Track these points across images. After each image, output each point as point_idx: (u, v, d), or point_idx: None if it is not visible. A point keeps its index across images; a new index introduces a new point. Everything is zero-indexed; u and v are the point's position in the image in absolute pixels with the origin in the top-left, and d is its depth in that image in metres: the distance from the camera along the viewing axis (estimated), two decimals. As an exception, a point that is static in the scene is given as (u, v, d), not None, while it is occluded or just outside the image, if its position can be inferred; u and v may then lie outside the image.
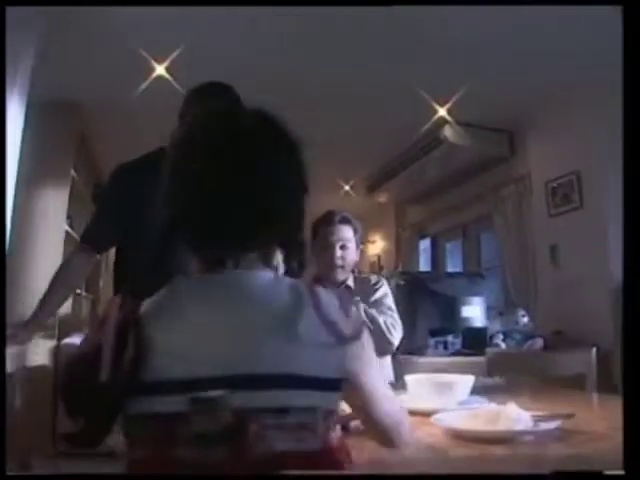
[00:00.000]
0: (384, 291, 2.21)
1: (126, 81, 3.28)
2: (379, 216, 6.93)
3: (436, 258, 6.36)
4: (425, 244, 6.51)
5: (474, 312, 3.27)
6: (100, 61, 3.19)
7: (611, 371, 2.86)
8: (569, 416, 1.05)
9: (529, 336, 3.34)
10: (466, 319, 3.21)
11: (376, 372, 0.84)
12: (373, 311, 2.05)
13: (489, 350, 2.44)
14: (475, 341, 3.16)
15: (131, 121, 4.01)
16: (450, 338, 3.17)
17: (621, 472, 0.91)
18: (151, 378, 0.73)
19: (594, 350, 2.21)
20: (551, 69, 3.43)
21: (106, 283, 5.56)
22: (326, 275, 2.16)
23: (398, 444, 0.85)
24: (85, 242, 1.93)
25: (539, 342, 3.29)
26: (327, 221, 2.18)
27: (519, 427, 0.99)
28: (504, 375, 2.26)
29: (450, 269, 6.14)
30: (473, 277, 3.67)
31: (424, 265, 6.45)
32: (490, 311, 3.49)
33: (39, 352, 2.78)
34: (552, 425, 1.00)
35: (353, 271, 2.25)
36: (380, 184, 5.80)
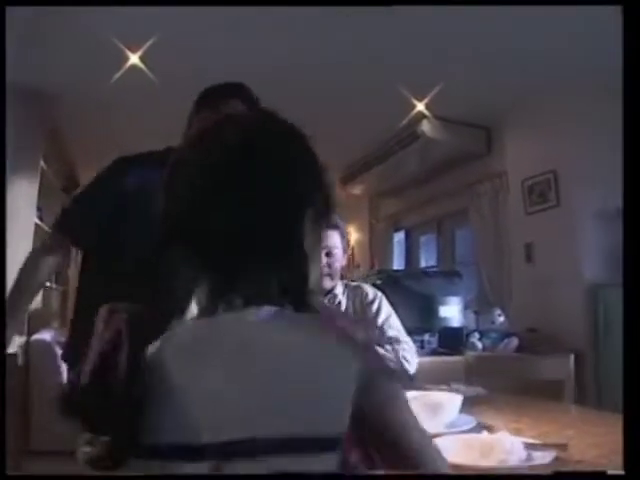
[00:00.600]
0: (387, 312, 2.10)
1: (99, 71, 3.17)
2: (353, 208, 6.90)
3: (410, 251, 6.37)
4: (399, 237, 6.51)
5: (452, 312, 3.27)
6: (72, 50, 3.08)
7: (583, 374, 2.90)
8: (563, 447, 1.04)
9: (505, 335, 3.37)
10: (444, 319, 3.20)
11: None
12: (387, 347, 1.97)
13: (468, 354, 2.43)
14: (452, 341, 3.16)
15: (104, 111, 3.90)
16: (427, 337, 3.16)
17: (621, 472, 0.91)
18: (166, 439, 0.63)
19: (572, 357, 2.23)
20: (530, 68, 3.42)
21: (75, 274, 5.43)
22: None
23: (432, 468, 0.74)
24: (60, 231, 1.60)
25: (514, 341, 3.31)
26: None
27: (513, 458, 0.97)
28: (483, 379, 2.27)
29: (424, 263, 6.16)
30: (450, 276, 3.66)
31: (398, 257, 6.47)
32: (467, 310, 3.49)
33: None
34: (547, 459, 0.98)
35: (341, 276, 2.17)
36: (355, 176, 5.78)
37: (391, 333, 2.04)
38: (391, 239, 6.48)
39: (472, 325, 3.51)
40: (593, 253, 3.52)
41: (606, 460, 1.03)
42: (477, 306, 3.92)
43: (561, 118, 3.73)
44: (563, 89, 3.64)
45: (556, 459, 1.00)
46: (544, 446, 1.04)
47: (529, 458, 1.00)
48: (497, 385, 2.08)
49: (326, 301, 2.08)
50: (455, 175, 4.99)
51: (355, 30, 3.11)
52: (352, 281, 2.25)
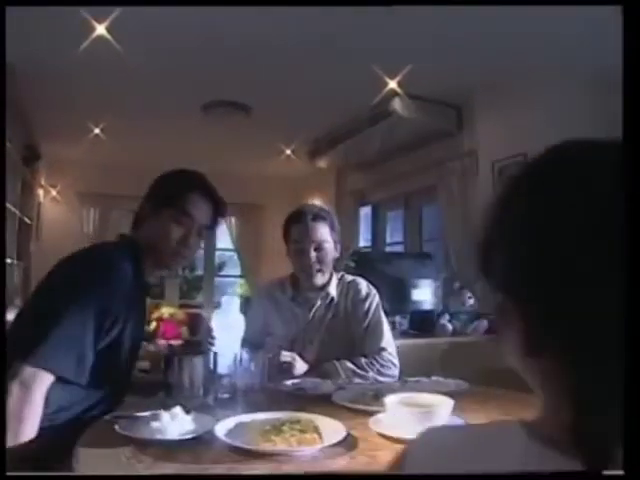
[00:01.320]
0: (377, 315, 2.04)
1: (65, 41, 3.02)
2: (319, 181, 6.87)
3: (376, 226, 6.41)
4: (366, 211, 6.53)
5: (424, 295, 3.32)
6: (35, 20, 2.92)
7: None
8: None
9: (474, 317, 3.44)
10: (416, 302, 3.25)
11: None
12: (363, 362, 1.94)
13: (442, 339, 2.47)
14: (423, 323, 3.22)
15: (67, 82, 3.75)
16: (398, 318, 3.20)
17: (621, 472, 0.93)
18: None
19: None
20: (501, 51, 3.42)
21: (38, 248, 5.27)
22: (303, 279, 2.04)
23: None
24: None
25: (484, 324, 3.39)
26: (297, 219, 1.99)
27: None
28: (457, 366, 2.32)
29: (390, 238, 6.22)
30: (421, 258, 3.70)
31: (364, 232, 6.51)
32: (437, 291, 3.54)
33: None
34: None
35: (335, 268, 2.09)
36: (323, 150, 5.73)
37: (374, 341, 2.00)
38: (357, 214, 6.49)
39: (442, 306, 3.56)
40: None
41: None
42: (447, 288, 3.98)
43: (531, 102, 3.77)
44: (533, 74, 3.67)
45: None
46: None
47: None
48: (472, 372, 2.12)
49: (319, 300, 2.05)
50: (424, 152, 5.00)
51: (331, 9, 3.04)
52: (348, 274, 2.18)
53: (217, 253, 7.69)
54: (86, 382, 1.36)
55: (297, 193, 7.45)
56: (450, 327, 3.34)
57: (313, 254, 1.96)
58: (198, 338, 6.14)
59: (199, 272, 7.84)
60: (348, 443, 1.18)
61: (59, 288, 1.38)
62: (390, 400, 1.33)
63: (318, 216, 1.99)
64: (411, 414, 1.27)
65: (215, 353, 1.66)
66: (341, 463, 1.09)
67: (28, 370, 1.24)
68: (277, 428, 1.18)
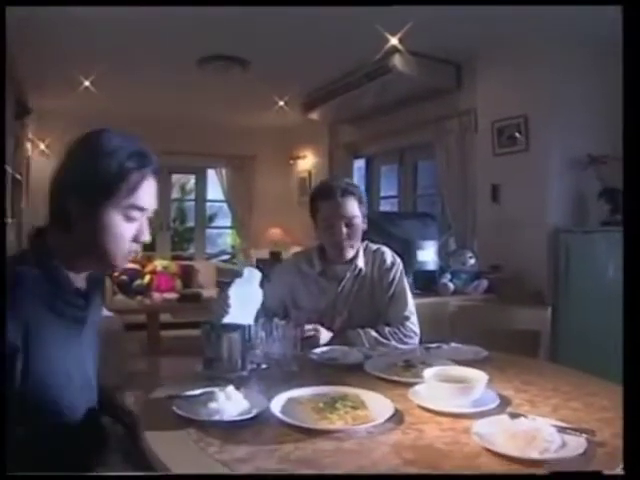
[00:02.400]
0: (401, 285, 2.10)
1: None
2: (311, 132, 6.84)
3: (370, 180, 6.44)
4: (359, 164, 6.55)
5: (428, 256, 3.40)
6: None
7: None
8: (592, 433, 1.17)
9: (475, 276, 3.55)
10: (420, 263, 3.33)
11: None
12: (387, 331, 2.01)
13: (447, 300, 2.58)
14: (426, 282, 3.31)
15: (56, 35, 3.66)
16: (402, 278, 3.29)
17: (621, 472, 1.00)
18: None
19: (550, 309, 2.39)
20: (505, 12, 3.38)
21: (31, 204, 5.23)
22: (333, 254, 2.07)
23: None
24: None
25: (484, 283, 3.51)
26: (327, 195, 1.99)
27: (554, 446, 1.09)
28: (466, 328, 2.43)
29: (384, 192, 6.27)
30: (424, 218, 3.77)
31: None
32: (440, 251, 3.63)
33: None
34: (581, 449, 1.10)
35: (363, 239, 2.11)
36: (318, 103, 5.69)
37: (398, 310, 2.07)
38: (351, 166, 6.51)
39: (443, 266, 3.65)
40: (558, 199, 3.70)
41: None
42: (447, 247, 4.07)
43: (534, 63, 3.78)
44: (533, 36, 3.66)
45: (589, 445, 1.12)
46: (574, 430, 1.17)
47: (564, 444, 1.12)
48: (480, 335, 2.22)
49: (348, 273, 2.10)
50: (422, 109, 5.00)
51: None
52: (371, 242, 2.21)
53: (207, 204, 7.68)
54: None
55: (289, 144, 7.43)
56: (451, 286, 3.45)
57: (344, 230, 1.98)
58: (192, 291, 6.21)
59: (190, 224, 7.87)
60: (396, 417, 1.26)
61: None
62: (428, 374, 1.42)
63: (347, 191, 1.99)
64: (450, 388, 1.36)
65: (249, 326, 1.72)
66: (394, 438, 1.17)
67: None
68: (331, 405, 1.26)
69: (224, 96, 5.72)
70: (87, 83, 4.81)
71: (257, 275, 1.89)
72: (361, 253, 2.11)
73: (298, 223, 7.51)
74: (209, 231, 8.12)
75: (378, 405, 1.30)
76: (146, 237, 1.23)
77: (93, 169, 1.14)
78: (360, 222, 2.02)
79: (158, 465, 1.04)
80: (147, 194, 1.20)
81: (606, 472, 1.03)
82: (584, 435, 1.15)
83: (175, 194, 8.12)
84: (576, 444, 1.12)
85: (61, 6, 2.96)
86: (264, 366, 1.68)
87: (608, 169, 3.52)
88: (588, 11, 3.14)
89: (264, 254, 7.44)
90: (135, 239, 1.21)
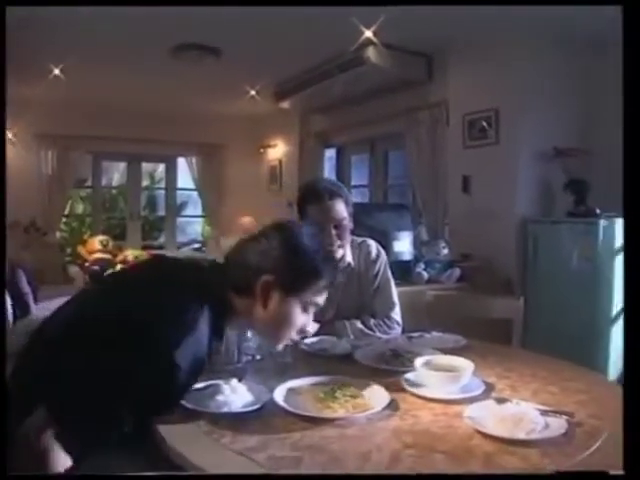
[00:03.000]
0: (385, 277, 2.19)
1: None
2: (282, 121, 6.86)
3: (341, 169, 6.52)
4: (330, 153, 6.61)
5: (404, 246, 3.51)
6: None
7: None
8: (570, 414, 1.28)
9: (448, 265, 3.68)
10: (396, 253, 3.43)
11: None
12: (372, 322, 2.11)
13: (428, 293, 2.68)
14: (401, 272, 3.42)
15: (23, 21, 3.60)
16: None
17: (621, 472, 1.05)
18: None
19: (522, 299, 2.52)
20: (477, 8, 3.46)
21: None
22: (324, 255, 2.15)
23: None
24: None
25: (457, 272, 3.64)
26: (315, 199, 2.01)
27: (538, 428, 1.20)
28: (442, 317, 2.54)
29: (355, 181, 6.35)
30: (399, 209, 3.87)
31: (328, 174, 6.61)
32: (414, 241, 3.73)
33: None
34: (562, 429, 1.21)
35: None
36: (290, 93, 5.71)
37: (383, 301, 2.18)
38: (321, 155, 6.57)
39: (417, 256, 3.76)
40: (526, 190, 3.85)
41: (601, 421, 1.28)
42: (420, 237, 4.18)
43: (504, 58, 3.90)
44: (505, 31, 3.78)
45: (569, 426, 1.23)
46: (555, 412, 1.28)
47: (547, 425, 1.23)
48: (456, 323, 2.33)
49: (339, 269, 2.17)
50: (394, 99, 5.08)
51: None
52: (357, 236, 2.26)
53: (178, 193, 7.64)
54: None
55: (259, 133, 7.44)
56: (426, 275, 3.57)
57: (333, 232, 2.02)
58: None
59: (160, 213, 7.81)
60: (392, 405, 1.35)
61: None
62: (419, 363, 1.51)
63: (334, 194, 2.02)
64: (440, 377, 1.46)
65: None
66: (393, 424, 1.26)
67: None
68: (331, 395, 1.35)
69: (195, 85, 5.69)
70: (57, 71, 4.73)
71: None
72: (348, 248, 2.17)
73: (268, 211, 7.56)
74: (179, 220, 8.08)
75: (374, 394, 1.39)
76: (311, 329, 1.48)
77: (294, 265, 1.32)
78: (348, 223, 2.06)
79: (177, 458, 1.10)
80: (325, 294, 1.41)
81: (611, 472, 1.07)
82: (564, 416, 1.27)
83: (144, 182, 8.05)
84: (558, 425, 1.23)
85: (61, 6, 2.89)
86: (258, 357, 1.75)
87: (573, 161, 3.68)
88: (557, 9, 3.26)
89: (235, 242, 7.47)
90: (301, 330, 1.41)
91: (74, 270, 5.62)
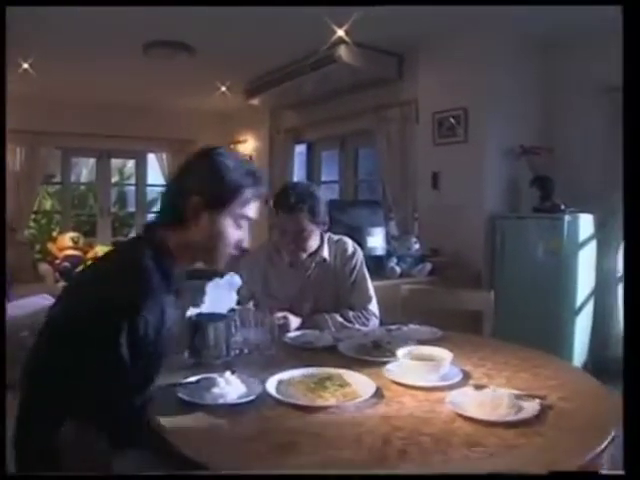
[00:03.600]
0: (361, 273, 2.29)
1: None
2: (253, 116, 6.88)
3: (311, 164, 6.59)
4: (301, 149, 6.68)
5: (377, 242, 3.61)
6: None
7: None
8: (542, 397, 1.39)
9: (419, 260, 3.80)
10: (371, 248, 3.53)
11: None
12: (350, 315, 2.21)
13: (403, 287, 2.78)
14: (375, 267, 3.51)
15: None
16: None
17: (621, 472, 1.08)
18: None
19: (492, 292, 2.65)
20: (447, 7, 3.55)
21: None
22: (287, 254, 2.24)
23: None
24: None
25: (428, 266, 3.76)
26: (279, 206, 2.13)
27: (514, 410, 1.30)
28: (416, 310, 2.65)
29: (325, 177, 6.43)
30: (372, 206, 3.97)
31: (299, 169, 6.68)
32: (387, 236, 3.84)
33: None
34: (535, 411, 1.32)
35: (325, 231, 2.27)
36: (261, 90, 5.74)
37: (360, 295, 2.28)
38: (292, 151, 6.63)
39: (389, 251, 3.87)
40: (494, 187, 3.99)
41: (569, 403, 1.39)
42: (390, 232, 4.28)
43: (472, 58, 4.01)
44: (473, 32, 3.90)
45: (541, 409, 1.34)
46: (528, 396, 1.39)
47: (522, 408, 1.33)
48: (429, 316, 2.44)
49: (314, 263, 2.26)
50: (364, 97, 5.16)
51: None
52: (332, 232, 2.35)
53: (148, 189, 7.60)
54: None
55: (230, 129, 7.46)
56: (398, 270, 3.68)
57: (292, 239, 2.16)
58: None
59: (131, 209, 7.75)
60: (378, 392, 1.44)
61: None
62: (401, 353, 1.61)
63: (296, 208, 2.09)
64: (420, 366, 1.55)
65: (232, 316, 1.85)
66: (381, 410, 1.35)
67: None
68: (321, 385, 1.44)
69: (165, 80, 5.68)
70: (26, 66, 4.68)
71: (237, 283, 2.02)
72: (325, 244, 2.27)
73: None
74: (150, 216, 8.03)
75: (361, 383, 1.48)
76: (246, 244, 1.46)
77: (217, 180, 1.35)
78: (309, 234, 2.16)
79: (184, 447, 1.16)
80: (255, 207, 1.43)
81: (606, 472, 1.20)
82: (537, 400, 1.38)
83: (114, 178, 7.97)
84: (531, 407, 1.34)
85: (61, 6, 2.85)
86: (246, 351, 1.82)
87: (538, 159, 3.83)
88: (524, 10, 3.39)
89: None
90: (237, 245, 1.43)
91: (44, 268, 5.56)
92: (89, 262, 6.07)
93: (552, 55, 4.06)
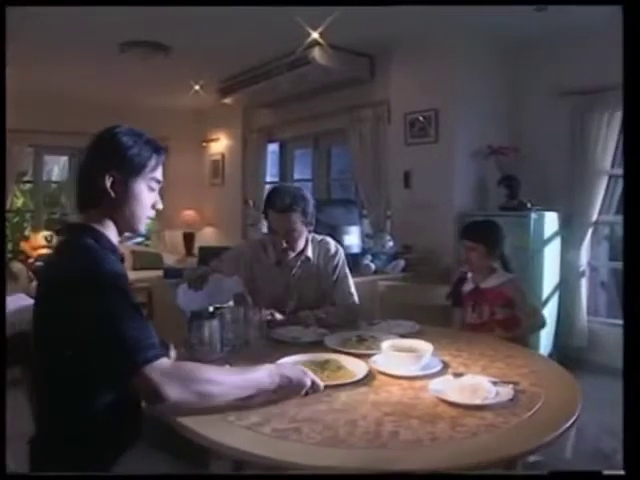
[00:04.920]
0: (343, 271, 2.43)
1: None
2: (225, 115, 6.92)
3: (284, 163, 6.69)
4: (273, 148, 6.76)
5: (353, 240, 3.74)
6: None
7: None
8: (516, 383, 1.54)
9: (392, 257, 3.94)
10: (347, 247, 3.64)
11: None
12: (331, 310, 2.34)
13: (380, 284, 2.92)
14: (351, 264, 3.64)
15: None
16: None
17: (621, 472, 1.13)
18: None
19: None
20: (417, 10, 3.68)
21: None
22: (276, 252, 2.35)
23: None
24: None
25: (401, 263, 3.91)
26: (272, 206, 2.25)
27: (491, 395, 1.44)
28: (393, 305, 2.79)
29: (298, 175, 6.54)
30: (347, 205, 4.09)
31: (271, 167, 6.77)
32: (362, 235, 3.97)
33: None
34: (510, 395, 1.46)
35: (309, 232, 2.38)
36: (235, 89, 5.81)
37: (342, 292, 2.41)
38: (265, 150, 6.71)
39: (364, 248, 4.01)
40: (464, 185, 4.17)
41: (539, 388, 1.54)
42: (370, 231, 4.43)
43: (443, 60, 4.17)
44: (443, 34, 4.06)
45: (515, 393, 1.48)
46: (503, 382, 1.53)
47: (498, 393, 1.47)
48: (406, 311, 2.57)
49: (299, 262, 2.37)
50: (337, 97, 5.28)
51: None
52: (317, 234, 2.47)
53: (119, 187, 7.55)
54: None
55: (202, 127, 7.51)
56: (373, 266, 3.82)
57: (283, 238, 2.28)
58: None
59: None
60: (368, 380, 1.59)
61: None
62: (386, 345, 1.74)
63: (289, 208, 2.22)
64: (404, 357, 1.68)
65: (224, 315, 1.95)
66: (370, 398, 1.47)
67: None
68: (321, 367, 1.64)
69: (139, 79, 5.69)
70: (-3, 64, 4.63)
71: (239, 286, 2.14)
72: (310, 244, 2.39)
73: (210, 205, 7.63)
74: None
75: (355, 365, 1.66)
76: (160, 205, 1.57)
77: (124, 152, 1.45)
78: (299, 233, 2.29)
79: (194, 437, 1.27)
80: (160, 170, 1.54)
81: (606, 472, 1.28)
82: (511, 385, 1.52)
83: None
84: (506, 392, 1.48)
85: (61, 6, 2.85)
86: (237, 346, 1.92)
87: (506, 159, 4.01)
88: (494, 12, 3.54)
89: (178, 235, 7.52)
90: (153, 206, 1.54)
91: (18, 267, 5.53)
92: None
93: (519, 57, 4.26)
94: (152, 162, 1.49)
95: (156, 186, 1.54)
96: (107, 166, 1.43)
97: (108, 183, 1.43)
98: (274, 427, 1.28)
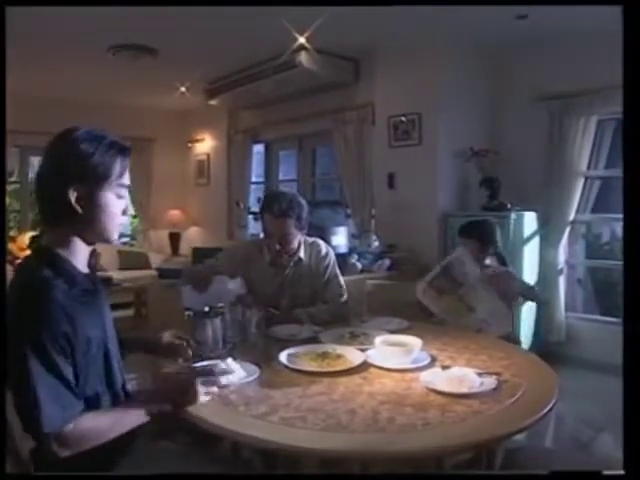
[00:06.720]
0: (333, 271, 2.55)
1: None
2: (211, 116, 6.99)
3: (269, 164, 6.78)
4: (259, 148, 6.85)
5: (340, 240, 3.86)
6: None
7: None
8: (499, 374, 1.67)
9: (378, 256, 4.08)
10: (335, 247, 3.76)
11: None
12: (322, 307, 2.47)
13: (368, 283, 3.05)
14: (339, 264, 3.76)
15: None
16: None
17: (621, 472, 1.13)
18: None
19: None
20: (405, 18, 3.85)
21: None
22: (272, 254, 2.47)
23: None
24: None
25: (386, 262, 4.04)
26: (268, 211, 2.37)
27: (477, 385, 1.58)
28: (381, 303, 2.92)
29: (283, 176, 6.63)
30: (334, 206, 4.21)
31: (257, 168, 6.86)
32: (348, 235, 4.10)
33: None
34: (494, 385, 1.59)
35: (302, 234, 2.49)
36: (221, 91, 5.88)
37: (332, 291, 2.54)
38: (250, 150, 6.79)
39: (350, 248, 4.13)
40: (446, 187, 4.31)
41: (520, 378, 1.67)
42: (355, 231, 4.55)
43: (426, 65, 4.31)
44: (427, 39, 4.19)
45: (498, 383, 1.61)
46: (487, 374, 1.66)
47: (482, 383, 1.60)
48: (391, 309, 2.70)
49: (292, 263, 2.49)
50: (322, 99, 5.38)
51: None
52: (309, 235, 2.59)
53: (105, 187, 7.58)
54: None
55: (188, 127, 7.57)
56: (359, 265, 3.95)
57: (277, 241, 2.40)
58: (104, 275, 6.23)
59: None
60: (362, 370, 1.73)
61: None
62: (378, 340, 1.86)
63: (284, 214, 2.35)
64: (396, 351, 1.81)
65: (225, 314, 2.05)
66: (366, 389, 1.59)
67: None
68: (322, 356, 1.79)
69: (126, 80, 5.74)
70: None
71: (241, 289, 2.26)
72: (302, 246, 2.52)
73: (196, 205, 7.70)
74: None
75: (352, 354, 1.82)
76: (129, 211, 1.52)
77: (86, 162, 1.33)
78: (293, 236, 2.42)
79: (209, 427, 1.38)
80: (127, 175, 1.43)
81: (606, 472, 1.31)
82: (494, 376, 1.66)
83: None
84: (490, 382, 1.61)
85: (61, 6, 2.88)
86: (237, 343, 2.03)
87: (486, 161, 4.17)
88: (475, 14, 3.66)
89: (163, 235, 7.58)
90: (124, 212, 1.45)
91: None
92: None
93: (500, 63, 4.43)
94: (117, 168, 1.37)
95: (124, 192, 1.42)
96: (69, 179, 1.32)
97: (73, 198, 1.32)
98: (281, 416, 1.40)
